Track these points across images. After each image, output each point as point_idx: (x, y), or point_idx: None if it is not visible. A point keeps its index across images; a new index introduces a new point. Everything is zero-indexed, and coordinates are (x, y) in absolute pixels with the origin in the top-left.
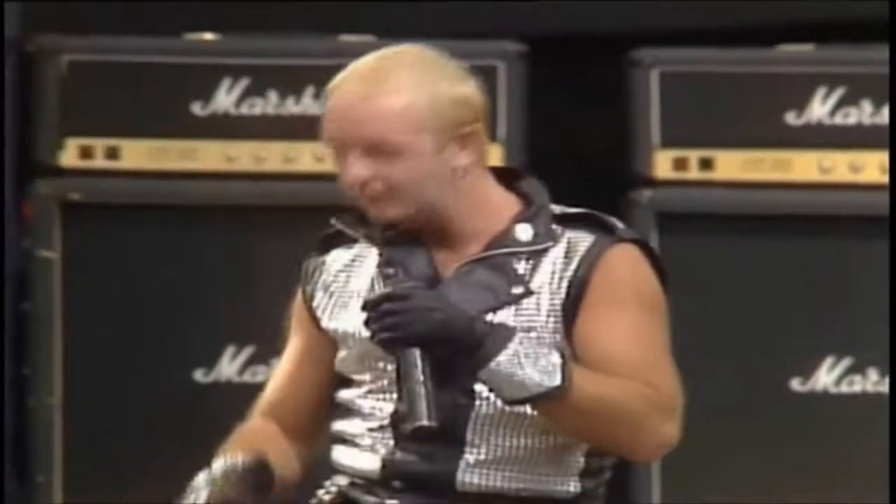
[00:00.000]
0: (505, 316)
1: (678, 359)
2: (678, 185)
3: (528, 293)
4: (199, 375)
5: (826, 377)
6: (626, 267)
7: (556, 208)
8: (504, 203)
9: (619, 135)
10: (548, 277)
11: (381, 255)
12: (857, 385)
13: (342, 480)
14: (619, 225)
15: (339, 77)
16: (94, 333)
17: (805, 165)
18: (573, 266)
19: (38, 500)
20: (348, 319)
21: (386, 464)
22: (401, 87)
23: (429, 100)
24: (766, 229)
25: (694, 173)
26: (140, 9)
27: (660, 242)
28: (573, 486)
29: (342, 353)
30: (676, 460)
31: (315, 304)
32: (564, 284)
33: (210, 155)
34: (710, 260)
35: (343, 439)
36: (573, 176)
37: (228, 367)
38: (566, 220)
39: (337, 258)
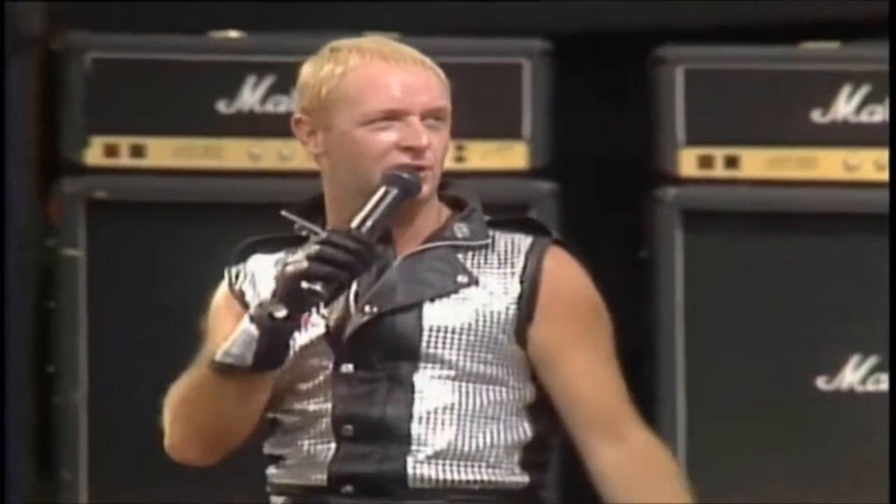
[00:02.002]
0: (452, 303)
1: (704, 357)
2: (703, 183)
3: (475, 282)
4: None
5: (852, 375)
6: (574, 273)
7: (485, 216)
8: (438, 205)
9: (643, 132)
10: (493, 273)
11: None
12: (883, 383)
13: (281, 500)
14: (549, 227)
15: (358, 48)
16: (119, 331)
17: (830, 163)
18: (520, 264)
19: (63, 496)
20: None
21: (332, 471)
22: (424, 61)
23: (445, 78)
24: (791, 227)
25: (719, 171)
26: (165, 6)
27: (684, 240)
28: (522, 477)
29: None
30: (701, 459)
31: (248, 300)
32: (515, 282)
33: (235, 152)
34: (735, 258)
35: (278, 458)
36: (598, 174)
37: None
38: (497, 225)
39: (258, 263)
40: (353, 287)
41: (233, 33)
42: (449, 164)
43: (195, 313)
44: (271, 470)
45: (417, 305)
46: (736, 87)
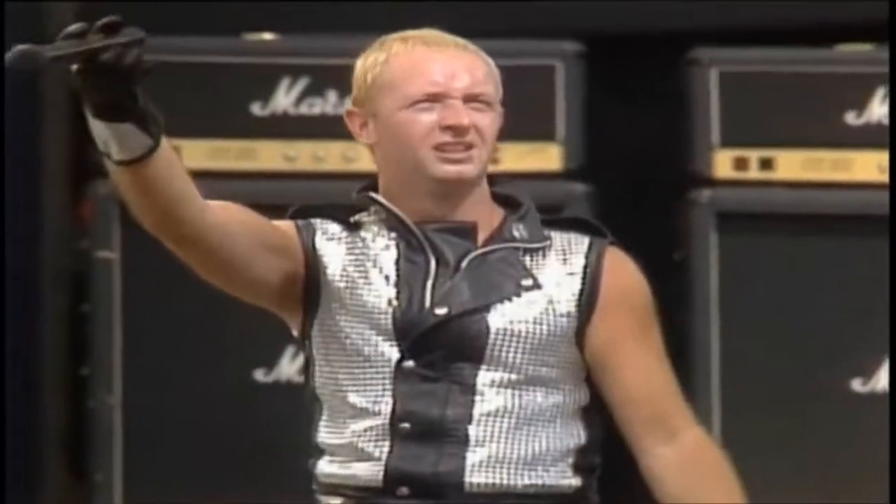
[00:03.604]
0: (517, 307)
1: (739, 359)
2: (738, 185)
3: (538, 286)
4: (259, 375)
5: (886, 377)
6: (633, 273)
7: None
8: (492, 204)
9: (678, 134)
10: (554, 273)
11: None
12: None
13: (335, 501)
14: (602, 227)
15: (403, 37)
16: (153, 333)
17: (865, 165)
18: (580, 263)
19: (97, 499)
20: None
21: (388, 469)
22: (478, 50)
23: (494, 68)
24: (825, 229)
25: (754, 173)
26: (199, 9)
27: (719, 242)
28: (573, 481)
29: (331, 343)
30: (737, 461)
31: (319, 254)
32: (576, 281)
33: (269, 155)
34: (770, 260)
35: (328, 450)
36: (632, 176)
37: (289, 366)
38: (551, 224)
39: (330, 228)
40: (429, 283)
41: (267, 35)
42: None
43: (230, 315)
44: (321, 465)
45: (484, 309)
46: (770, 90)
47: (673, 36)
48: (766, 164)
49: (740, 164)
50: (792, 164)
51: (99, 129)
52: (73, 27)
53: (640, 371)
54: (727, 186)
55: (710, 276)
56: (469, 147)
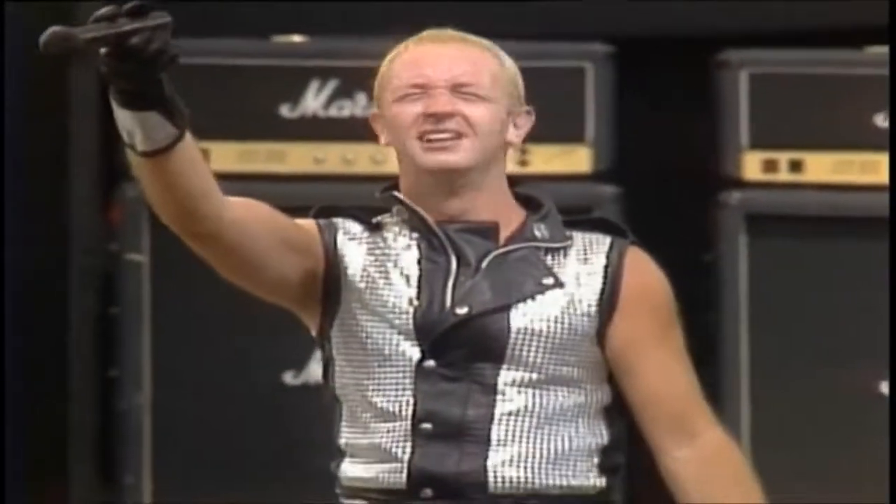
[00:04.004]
0: (538, 306)
1: (768, 361)
2: (767, 187)
3: (559, 284)
4: (288, 377)
5: None
6: (654, 273)
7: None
8: (514, 204)
9: (707, 136)
10: (575, 272)
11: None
12: None
13: None
14: (624, 227)
15: (417, 37)
16: (182, 335)
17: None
18: (601, 263)
19: (127, 500)
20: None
21: (411, 470)
22: (488, 49)
23: (511, 67)
24: (855, 231)
25: (783, 175)
26: (228, 11)
27: (749, 244)
28: (599, 482)
29: (351, 342)
30: (766, 463)
31: (340, 253)
32: (597, 280)
33: (299, 157)
34: (800, 262)
35: (350, 452)
36: (661, 178)
37: (318, 369)
38: (572, 225)
39: (352, 228)
40: (450, 282)
41: (296, 38)
42: (512, 167)
43: (259, 317)
44: (344, 467)
45: (505, 308)
46: (800, 91)
47: (702, 38)
48: (795, 165)
49: (769, 165)
50: (821, 166)
51: (124, 118)
52: (104, 10)
53: (661, 372)
54: (756, 188)
55: (739, 278)
56: (457, 136)
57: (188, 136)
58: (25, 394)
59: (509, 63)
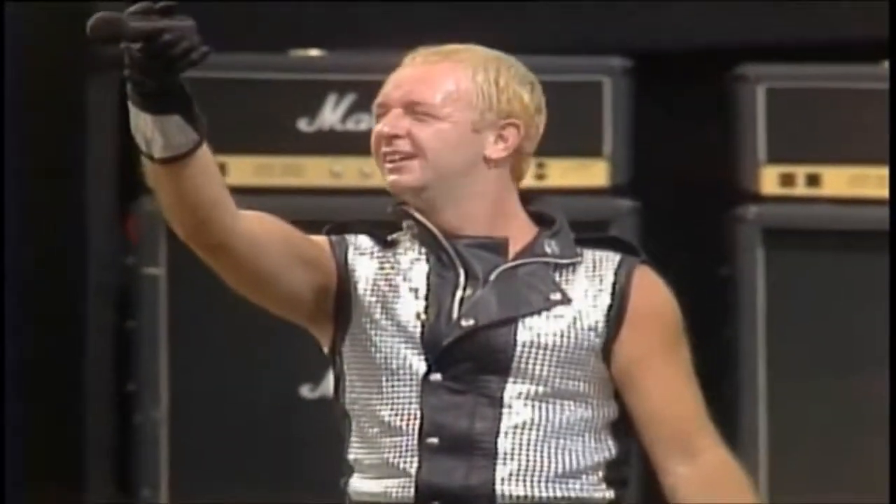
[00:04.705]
0: (545, 320)
1: (785, 375)
2: (784, 201)
3: (567, 300)
4: (305, 391)
5: None
6: (661, 292)
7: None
8: (526, 220)
9: (724, 150)
10: (583, 288)
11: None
12: None
13: None
14: (635, 245)
15: (410, 55)
16: (199, 349)
17: None
18: (609, 279)
19: None
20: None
21: (418, 484)
22: (463, 63)
23: (484, 80)
24: (872, 245)
25: (801, 189)
26: (246, 25)
27: (766, 258)
28: (607, 494)
29: (361, 357)
30: (784, 478)
31: (351, 269)
32: (605, 297)
33: (316, 171)
34: (817, 275)
35: (358, 467)
36: (678, 192)
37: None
38: (584, 243)
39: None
40: (457, 296)
41: (313, 52)
42: (529, 181)
43: (276, 330)
44: (353, 483)
45: (512, 321)
46: (817, 106)
47: (719, 52)
48: (812, 180)
49: (787, 180)
50: (838, 181)
51: (145, 123)
52: (137, 6)
53: (666, 390)
54: (774, 202)
55: (757, 292)
56: (408, 156)
57: (204, 144)
58: (43, 407)
59: (501, 76)
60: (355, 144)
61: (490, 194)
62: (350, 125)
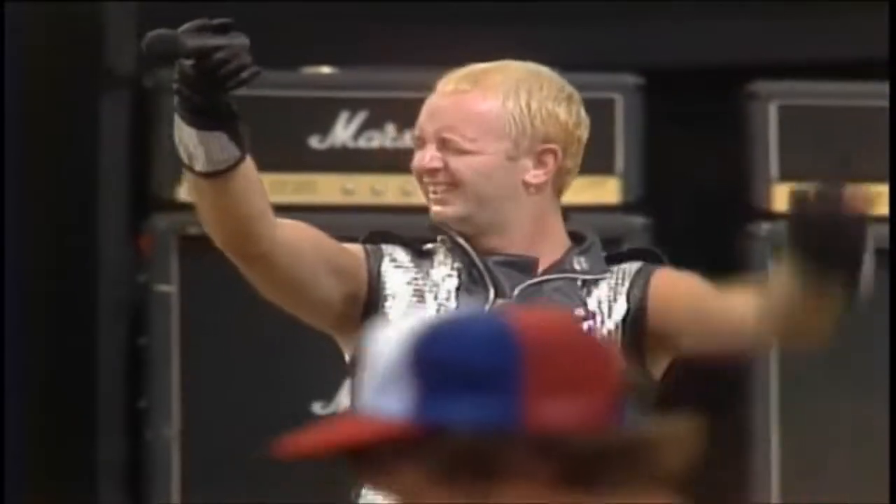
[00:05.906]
0: None
1: (798, 392)
2: None
3: (590, 315)
4: (317, 407)
5: None
6: (681, 273)
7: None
8: (562, 238)
9: (736, 168)
10: (602, 298)
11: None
12: None
13: None
14: (663, 256)
15: (444, 78)
16: (211, 366)
17: None
18: (626, 285)
19: None
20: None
21: None
22: (493, 89)
23: (516, 107)
24: (886, 263)
25: None
26: (257, 42)
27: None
28: None
29: None
30: (797, 494)
31: (383, 280)
32: (621, 301)
33: (327, 188)
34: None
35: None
36: (690, 209)
37: (347, 399)
38: (615, 260)
39: (399, 255)
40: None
41: (325, 69)
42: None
43: (288, 347)
44: (365, 495)
45: None
46: (829, 123)
47: (731, 69)
48: None
49: None
50: None
51: (189, 137)
52: (192, 23)
53: (694, 294)
54: (786, 220)
55: None
56: (449, 187)
57: (248, 158)
58: (54, 425)
59: (535, 100)
60: (367, 162)
61: (533, 216)
62: (362, 142)
